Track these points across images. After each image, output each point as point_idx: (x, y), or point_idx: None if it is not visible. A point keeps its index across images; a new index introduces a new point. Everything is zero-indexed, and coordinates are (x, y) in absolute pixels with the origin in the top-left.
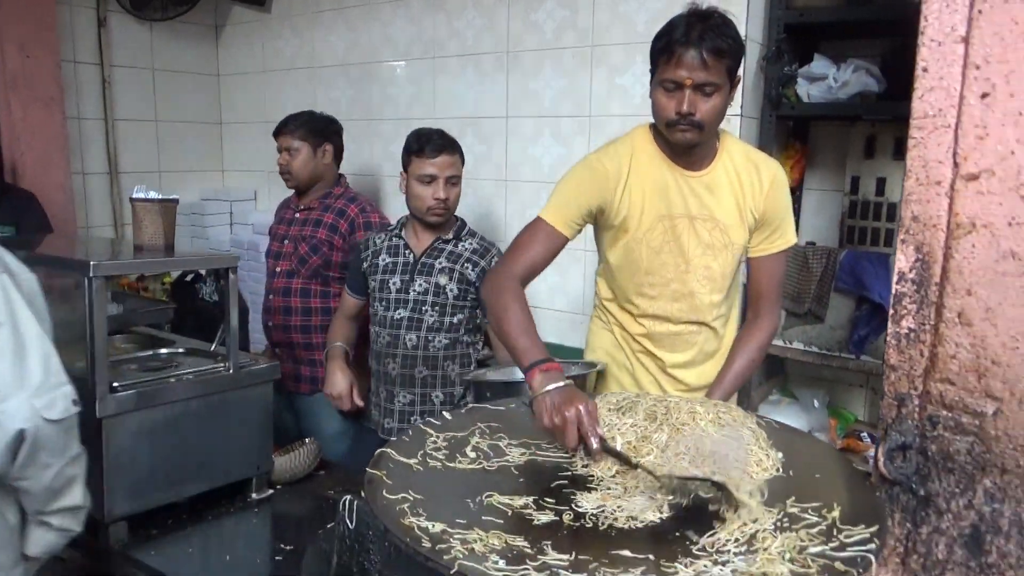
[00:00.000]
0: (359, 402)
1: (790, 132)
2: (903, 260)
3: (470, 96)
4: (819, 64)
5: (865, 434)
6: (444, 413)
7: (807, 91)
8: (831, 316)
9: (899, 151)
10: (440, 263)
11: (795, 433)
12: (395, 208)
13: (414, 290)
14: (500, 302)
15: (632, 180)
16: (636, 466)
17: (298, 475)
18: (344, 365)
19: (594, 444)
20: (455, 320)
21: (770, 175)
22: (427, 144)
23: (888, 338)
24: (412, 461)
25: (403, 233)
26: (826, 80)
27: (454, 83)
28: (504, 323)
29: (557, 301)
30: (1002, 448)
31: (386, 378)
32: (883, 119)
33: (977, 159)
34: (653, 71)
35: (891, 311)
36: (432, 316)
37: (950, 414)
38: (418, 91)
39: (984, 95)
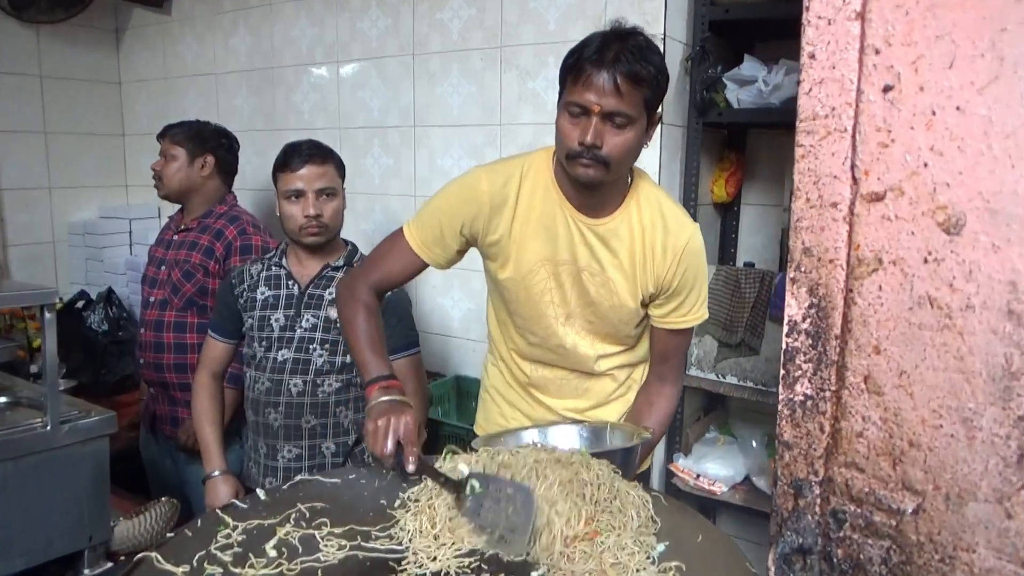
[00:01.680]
0: None
1: (725, 142)
2: (794, 306)
3: (376, 103)
4: (748, 66)
5: None
6: (258, 491)
7: (736, 96)
8: (767, 347)
9: None
10: (331, 294)
11: (691, 518)
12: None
13: (300, 327)
14: (349, 310)
15: (518, 211)
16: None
17: (146, 543)
18: (228, 474)
19: (410, 466)
20: (349, 359)
21: (681, 242)
22: (293, 156)
23: (780, 406)
24: (181, 569)
25: (284, 262)
26: (756, 83)
27: (358, 89)
28: (350, 333)
29: (472, 331)
30: (926, 559)
31: (266, 431)
32: None
33: (881, 173)
34: (560, 92)
35: (782, 371)
36: (321, 356)
37: (859, 509)
38: (321, 98)
39: (887, 88)
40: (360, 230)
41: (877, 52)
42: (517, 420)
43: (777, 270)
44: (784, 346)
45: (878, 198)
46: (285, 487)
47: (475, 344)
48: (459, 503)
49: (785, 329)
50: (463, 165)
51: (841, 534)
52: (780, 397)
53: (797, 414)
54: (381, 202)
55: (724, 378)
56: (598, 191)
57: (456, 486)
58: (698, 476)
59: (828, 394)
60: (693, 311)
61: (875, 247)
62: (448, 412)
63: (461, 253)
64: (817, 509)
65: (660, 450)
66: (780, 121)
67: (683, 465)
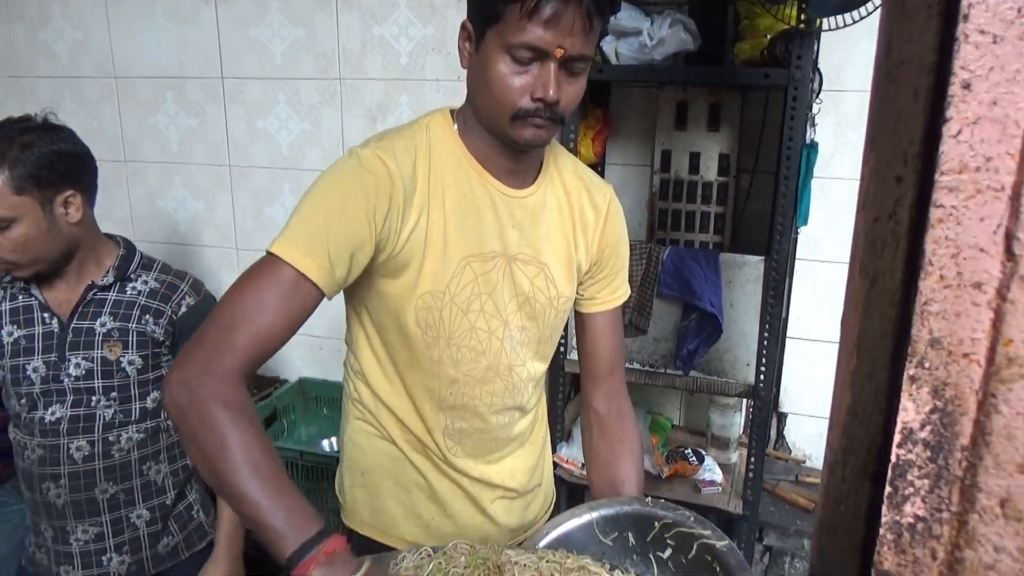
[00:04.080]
0: None
1: (590, 96)
2: (911, 410)
3: (166, 47)
4: (628, 15)
5: (689, 451)
6: None
7: (615, 49)
8: (654, 327)
9: (714, 121)
10: (103, 325)
11: None
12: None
13: (68, 375)
14: (210, 434)
15: (431, 198)
16: None
17: None
18: None
19: None
20: (149, 404)
21: (605, 198)
22: None
23: (882, 531)
24: None
25: (33, 287)
26: (639, 36)
27: (142, 28)
28: (223, 470)
29: (314, 325)
30: None
31: (49, 510)
32: (695, 83)
33: None
34: (486, 24)
35: (887, 489)
36: (110, 408)
37: None
38: (86, 37)
39: None
40: (156, 208)
41: None
42: (422, 504)
43: (646, 237)
44: (894, 459)
45: None
46: None
47: (318, 341)
48: None
49: (897, 439)
50: (293, 127)
51: None
52: (883, 520)
53: (904, 539)
54: (182, 174)
55: None
56: (529, 155)
57: None
58: (583, 465)
59: (946, 515)
60: (622, 279)
61: None
62: (296, 422)
63: (356, 270)
64: None
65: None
66: (664, 81)
67: (567, 455)
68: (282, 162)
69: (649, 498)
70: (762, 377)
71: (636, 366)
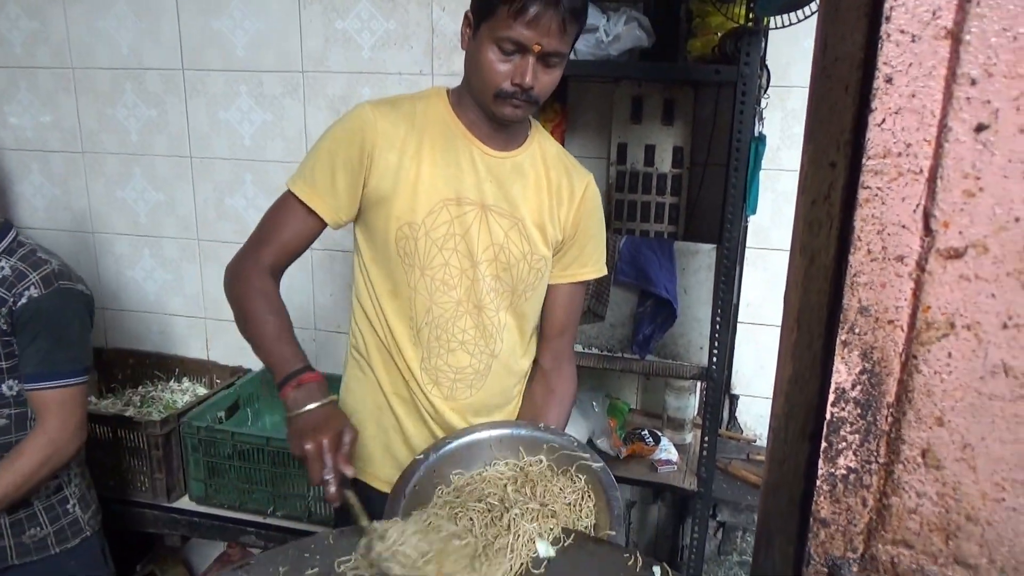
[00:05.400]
0: None
1: None
2: (843, 372)
3: (125, 37)
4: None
5: (646, 432)
6: None
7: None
8: (611, 313)
9: (668, 116)
10: None
11: None
12: (32, 208)
13: None
14: (246, 304)
15: (415, 147)
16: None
17: None
18: None
19: (331, 488)
20: (5, 390)
21: (583, 183)
22: None
23: (819, 483)
24: None
25: None
26: (596, 33)
27: (99, 17)
28: (252, 328)
29: None
30: None
31: None
32: (650, 79)
33: (964, 226)
34: (481, 18)
35: (823, 444)
36: None
37: None
38: (43, 27)
39: (980, 127)
40: (116, 198)
41: (973, 83)
42: (397, 447)
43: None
44: (828, 416)
45: (957, 255)
46: None
47: None
48: None
49: (831, 398)
50: (256, 119)
51: None
52: (820, 472)
53: (838, 489)
54: (143, 164)
55: None
56: (511, 127)
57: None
58: None
59: (875, 467)
60: (594, 261)
61: (948, 310)
62: (260, 410)
63: (354, 203)
64: None
65: None
66: (620, 76)
67: None
68: (244, 153)
69: (542, 424)
70: (715, 360)
71: (594, 351)
